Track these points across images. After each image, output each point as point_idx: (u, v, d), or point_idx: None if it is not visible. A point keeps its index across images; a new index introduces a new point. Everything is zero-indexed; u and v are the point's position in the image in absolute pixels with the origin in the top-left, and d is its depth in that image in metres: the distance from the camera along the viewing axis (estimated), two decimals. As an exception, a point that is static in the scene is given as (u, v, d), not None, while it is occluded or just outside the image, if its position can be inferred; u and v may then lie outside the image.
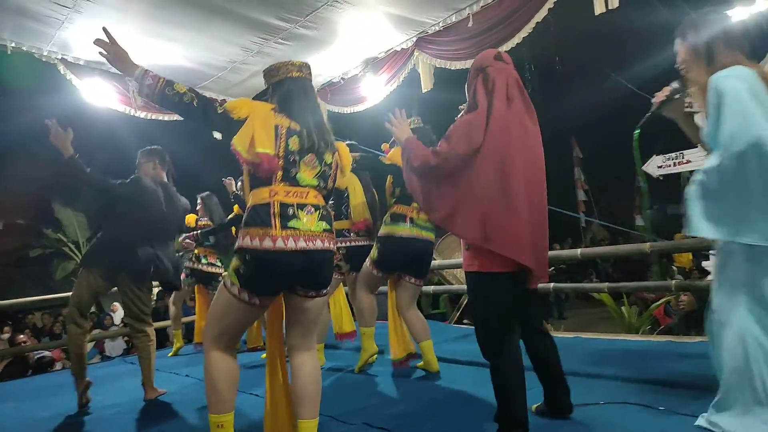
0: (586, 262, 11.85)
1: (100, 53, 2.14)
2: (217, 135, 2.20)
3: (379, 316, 3.87)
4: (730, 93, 1.87)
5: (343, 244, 3.86)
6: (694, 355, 3.14)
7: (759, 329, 1.90)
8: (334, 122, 6.24)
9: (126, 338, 8.66)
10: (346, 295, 4.43)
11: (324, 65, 5.72)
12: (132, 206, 3.37)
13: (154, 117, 5.78)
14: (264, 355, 4.28)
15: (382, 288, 3.78)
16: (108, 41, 2.13)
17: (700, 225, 1.91)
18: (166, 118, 5.89)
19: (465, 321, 8.34)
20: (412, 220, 3.39)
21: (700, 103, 2.04)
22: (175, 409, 3.29)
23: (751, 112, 1.82)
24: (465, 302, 8.77)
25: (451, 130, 2.21)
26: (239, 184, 4.46)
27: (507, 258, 2.09)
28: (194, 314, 5.88)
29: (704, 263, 5.59)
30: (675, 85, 2.16)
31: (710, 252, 3.22)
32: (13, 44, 4.83)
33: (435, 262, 5.10)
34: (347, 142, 3.76)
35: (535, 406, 2.43)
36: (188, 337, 5.71)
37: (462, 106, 2.68)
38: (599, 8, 3.81)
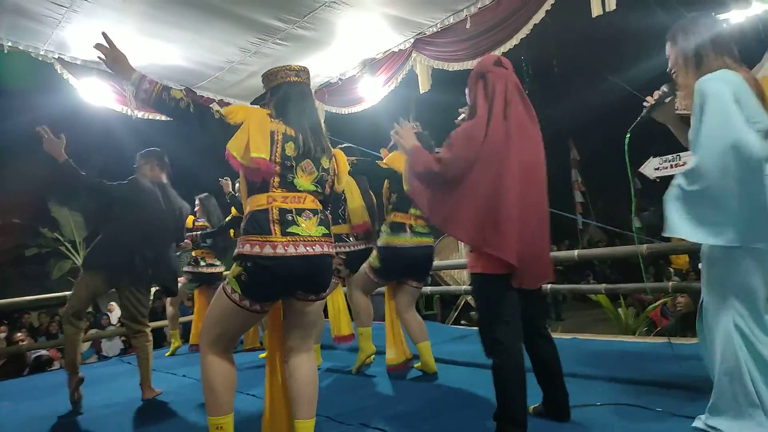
0: (583, 263, 11.89)
1: (99, 57, 2.13)
2: (213, 136, 2.19)
3: (377, 317, 3.88)
4: (712, 96, 1.89)
5: (343, 249, 3.85)
6: (690, 356, 3.14)
7: (747, 330, 1.91)
8: (331, 123, 6.24)
9: (123, 338, 8.64)
10: (345, 297, 4.43)
11: (322, 66, 5.72)
12: (130, 208, 3.37)
13: (151, 117, 5.77)
14: (262, 356, 4.30)
15: (379, 289, 3.78)
16: (107, 45, 2.12)
17: (679, 226, 1.92)
18: (164, 118, 5.86)
19: (462, 322, 8.38)
20: (411, 228, 3.40)
21: (690, 107, 2.05)
22: (172, 408, 3.29)
23: (732, 116, 1.85)
24: (462, 303, 8.82)
25: (452, 138, 2.24)
26: (236, 185, 4.46)
27: (506, 263, 2.12)
28: (191, 314, 5.88)
29: (701, 265, 5.61)
30: (665, 89, 2.18)
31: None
32: (9, 43, 4.82)
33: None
34: (344, 145, 3.78)
35: (533, 407, 2.44)
36: (185, 337, 5.70)
37: (462, 110, 2.70)
38: (597, 10, 3.82)
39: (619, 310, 6.70)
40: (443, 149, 2.24)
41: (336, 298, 4.38)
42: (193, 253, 5.19)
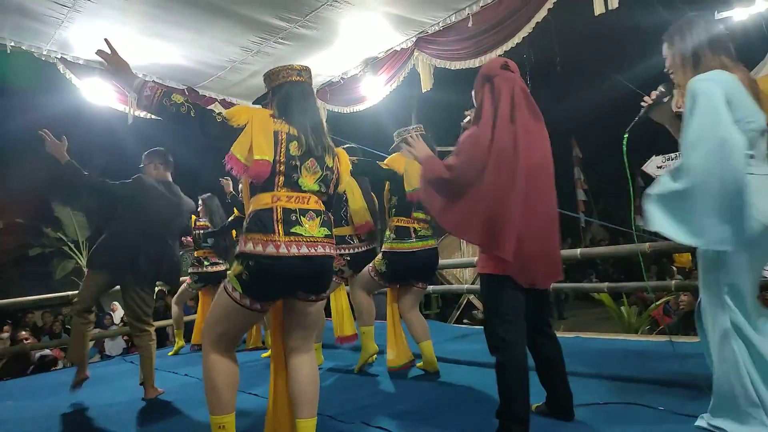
0: (585, 262, 11.87)
1: (101, 64, 2.14)
2: (215, 140, 2.19)
3: (378, 316, 3.88)
4: (702, 95, 1.90)
5: (347, 251, 3.85)
6: (692, 355, 3.14)
7: (743, 329, 1.91)
8: (333, 122, 6.24)
9: (126, 337, 8.66)
10: (348, 297, 4.44)
11: (324, 65, 5.72)
12: (134, 206, 3.39)
13: (152, 117, 5.77)
14: (264, 355, 4.31)
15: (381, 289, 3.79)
16: (109, 52, 2.13)
17: (661, 223, 1.93)
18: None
19: (465, 321, 8.38)
20: (415, 232, 3.40)
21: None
22: (175, 408, 3.29)
23: (720, 116, 1.85)
24: (464, 302, 8.82)
25: (459, 146, 2.29)
26: (239, 186, 4.46)
27: (514, 263, 2.15)
28: (194, 314, 5.89)
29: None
30: (662, 88, 2.19)
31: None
32: (12, 43, 4.83)
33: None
34: (347, 145, 3.78)
35: (535, 405, 2.44)
36: (187, 337, 5.72)
37: (468, 112, 2.71)
38: (599, 8, 3.81)
39: (622, 308, 6.69)
40: (452, 157, 2.29)
41: (339, 299, 4.39)
42: (196, 254, 5.21)
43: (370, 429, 2.53)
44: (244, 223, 2.14)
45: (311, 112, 2.29)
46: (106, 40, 2.15)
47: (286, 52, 5.18)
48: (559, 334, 2.47)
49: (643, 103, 2.23)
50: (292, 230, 2.06)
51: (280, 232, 2.05)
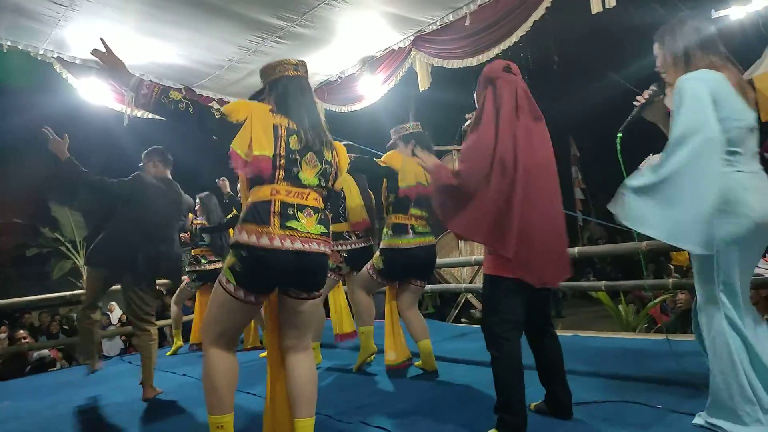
0: (583, 260, 11.88)
1: (97, 63, 2.14)
2: (214, 136, 2.19)
3: (378, 316, 3.88)
4: (687, 94, 1.92)
5: (344, 247, 3.86)
6: (690, 353, 3.14)
7: (738, 326, 1.92)
8: (331, 121, 6.20)
9: (123, 337, 8.65)
10: (346, 295, 4.44)
11: (321, 64, 5.71)
12: (133, 204, 3.39)
13: (149, 116, 5.76)
14: (262, 355, 4.30)
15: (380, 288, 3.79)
16: (105, 51, 2.12)
17: (638, 220, 1.94)
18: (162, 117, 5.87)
19: (463, 320, 8.38)
20: (413, 229, 3.41)
21: None
22: (174, 408, 3.29)
23: (704, 114, 1.88)
24: (462, 301, 8.82)
25: (464, 152, 2.33)
26: (237, 186, 4.46)
27: (521, 264, 2.17)
28: (192, 314, 5.88)
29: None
30: (654, 88, 2.21)
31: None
32: (8, 43, 4.82)
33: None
34: (344, 142, 3.78)
35: (534, 404, 2.46)
36: (186, 336, 5.71)
37: (469, 115, 2.72)
38: (596, 7, 3.82)
39: (620, 307, 6.71)
40: (459, 164, 2.33)
41: (337, 297, 4.39)
42: (193, 252, 5.21)
43: (369, 428, 2.53)
44: (242, 214, 2.14)
45: (309, 106, 2.29)
46: (101, 39, 2.15)
47: (284, 51, 5.18)
48: (557, 333, 2.48)
49: (635, 103, 2.25)
50: (288, 224, 2.06)
51: (276, 224, 2.04)
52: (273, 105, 2.22)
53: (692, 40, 2.05)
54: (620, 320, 6.57)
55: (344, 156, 2.43)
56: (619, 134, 2.23)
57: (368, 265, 3.58)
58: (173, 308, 5.43)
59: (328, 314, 4.48)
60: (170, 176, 3.71)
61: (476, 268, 7.35)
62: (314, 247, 2.12)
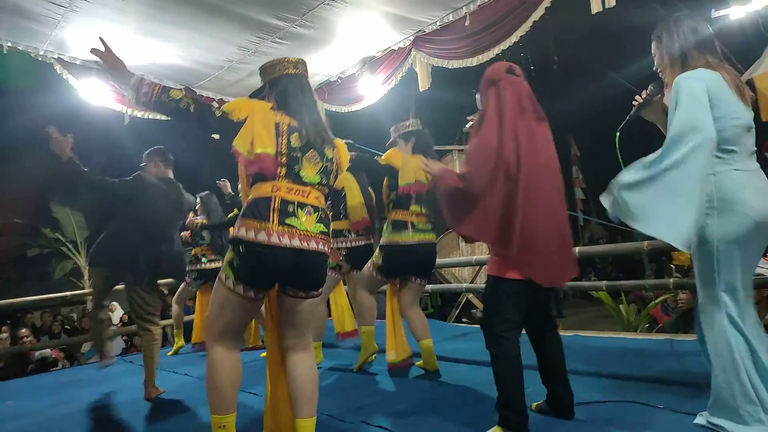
0: (584, 260, 11.89)
1: (97, 63, 2.13)
2: (215, 134, 2.20)
3: (379, 315, 3.88)
4: (684, 92, 1.93)
5: (343, 245, 3.87)
6: (691, 353, 3.14)
7: (740, 325, 1.92)
8: (331, 121, 6.24)
9: (125, 337, 8.65)
10: (347, 294, 4.44)
11: (321, 64, 5.71)
12: (134, 204, 3.39)
13: (150, 116, 5.77)
14: (263, 354, 4.30)
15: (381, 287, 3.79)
16: (104, 50, 2.12)
17: (627, 213, 1.95)
18: (162, 117, 5.87)
19: (464, 319, 8.38)
20: (413, 225, 3.41)
21: None
22: (176, 407, 3.29)
23: (700, 114, 1.88)
24: (463, 301, 8.82)
25: (469, 155, 2.34)
26: (238, 186, 4.46)
27: (526, 264, 2.19)
28: (193, 313, 5.88)
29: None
30: (652, 87, 2.22)
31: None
32: (9, 44, 4.82)
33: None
34: (344, 141, 3.78)
35: (535, 404, 2.46)
36: (187, 336, 5.71)
37: (471, 117, 2.73)
38: (596, 7, 3.82)
39: (621, 307, 6.70)
40: (463, 167, 2.34)
41: (338, 296, 4.39)
42: (193, 252, 5.20)
43: (370, 428, 2.53)
44: (242, 210, 2.14)
45: (310, 104, 2.29)
46: (100, 38, 2.15)
47: (284, 51, 5.18)
48: (558, 332, 2.48)
49: (634, 103, 2.26)
50: (287, 221, 2.06)
51: (275, 221, 2.05)
52: (274, 103, 2.23)
53: (689, 40, 2.06)
54: (621, 320, 6.56)
55: (345, 153, 2.44)
56: (618, 134, 2.23)
57: (369, 264, 3.58)
58: (174, 308, 5.43)
59: (329, 315, 4.48)
60: (172, 176, 3.71)
61: (477, 268, 7.35)
62: (312, 245, 2.12)
